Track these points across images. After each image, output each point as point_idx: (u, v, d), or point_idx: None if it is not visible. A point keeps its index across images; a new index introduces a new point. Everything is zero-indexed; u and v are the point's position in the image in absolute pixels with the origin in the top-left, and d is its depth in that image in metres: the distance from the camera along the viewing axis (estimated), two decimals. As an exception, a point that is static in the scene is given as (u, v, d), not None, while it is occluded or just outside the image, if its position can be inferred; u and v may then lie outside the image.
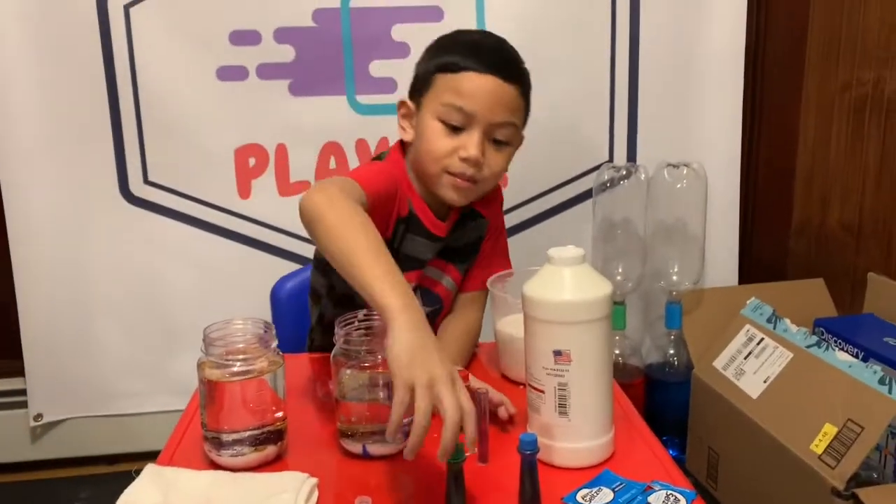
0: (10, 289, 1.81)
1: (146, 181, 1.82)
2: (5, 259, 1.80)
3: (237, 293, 1.84)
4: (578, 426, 0.84)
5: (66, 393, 1.88)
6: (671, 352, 1.85)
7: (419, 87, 1.14)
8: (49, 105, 1.75)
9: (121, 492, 0.78)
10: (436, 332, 1.10)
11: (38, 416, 1.88)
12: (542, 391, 0.85)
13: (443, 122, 1.09)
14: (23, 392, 1.88)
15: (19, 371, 1.87)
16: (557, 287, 0.83)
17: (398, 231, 1.13)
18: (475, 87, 1.07)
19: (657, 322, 1.92)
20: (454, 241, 1.21)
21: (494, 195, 1.26)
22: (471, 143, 1.08)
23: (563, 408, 0.84)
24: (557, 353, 0.83)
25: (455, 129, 1.09)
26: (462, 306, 1.25)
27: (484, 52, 1.10)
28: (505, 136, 1.11)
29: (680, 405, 1.77)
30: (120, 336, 1.87)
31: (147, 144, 1.80)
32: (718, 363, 1.67)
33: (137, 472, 0.81)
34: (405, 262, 1.07)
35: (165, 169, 1.81)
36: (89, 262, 1.83)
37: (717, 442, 1.67)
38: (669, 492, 0.79)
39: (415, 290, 1.17)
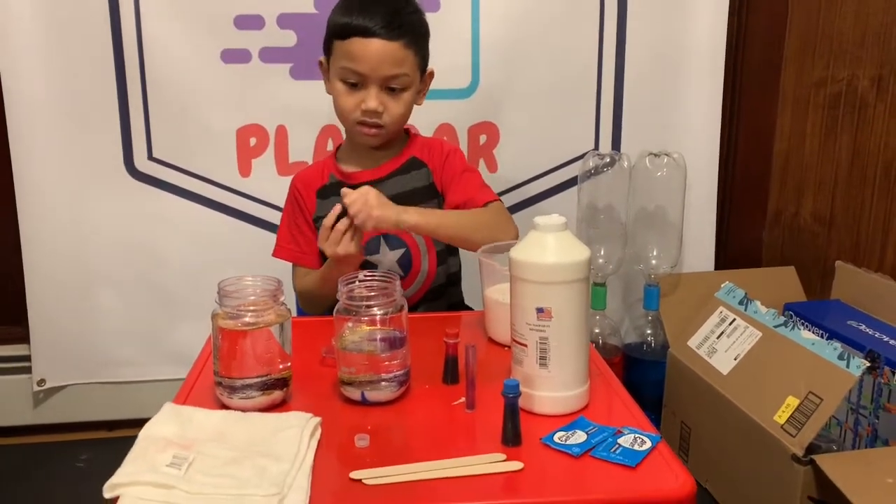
0: (18, 259, 1.88)
1: (150, 157, 1.88)
2: (13, 230, 1.87)
3: (235, 267, 1.86)
4: (557, 376, 0.93)
5: (68, 360, 1.95)
6: (648, 332, 1.94)
7: (326, 50, 1.33)
8: (58, 82, 1.81)
9: (120, 456, 0.81)
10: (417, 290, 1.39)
11: (41, 382, 1.95)
12: (525, 345, 0.93)
13: (343, 81, 1.30)
14: (27, 358, 1.94)
15: (24, 338, 1.94)
16: (541, 251, 0.92)
17: (319, 204, 1.38)
18: (362, 51, 1.26)
19: (636, 304, 2.01)
20: (400, 187, 1.36)
21: (435, 146, 1.42)
22: (369, 97, 1.29)
23: (543, 360, 0.92)
24: (540, 311, 0.91)
25: (355, 86, 1.30)
26: None
27: (366, 15, 1.26)
28: (398, 84, 1.30)
29: (656, 383, 1.86)
30: (121, 306, 1.94)
31: (152, 122, 1.86)
32: (693, 342, 1.76)
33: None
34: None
35: (169, 146, 1.88)
36: (94, 234, 1.89)
37: (690, 416, 1.76)
38: (637, 435, 0.88)
39: (378, 238, 1.36)
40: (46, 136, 1.83)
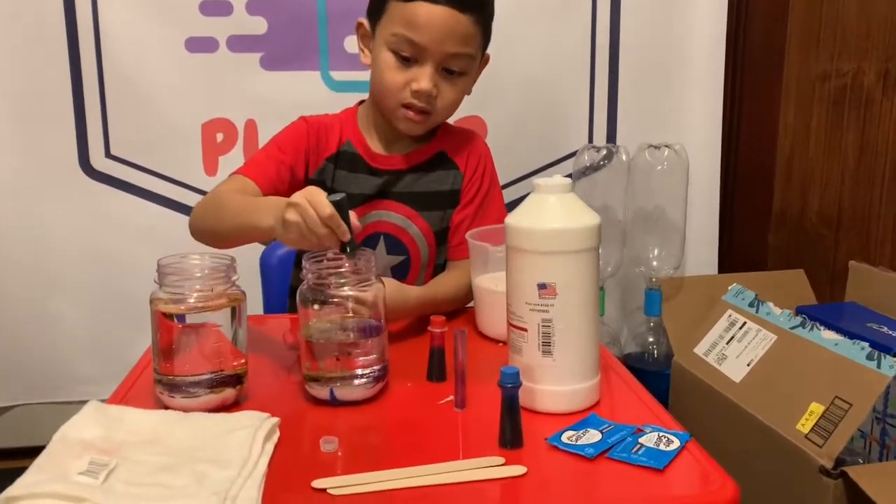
0: (-40, 265, 1.72)
1: (108, 155, 1.75)
2: (-43, 234, 1.71)
3: (201, 274, 1.77)
4: (563, 366, 0.78)
5: (15, 378, 1.79)
6: (650, 340, 1.81)
7: (374, 11, 1.12)
8: (8, 74, 1.68)
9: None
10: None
11: (-15, 402, 1.78)
12: (524, 330, 0.78)
13: (395, 52, 1.08)
14: (-32, 377, 1.78)
15: (-36, 355, 1.77)
16: (543, 215, 0.78)
17: (326, 169, 1.14)
18: (427, 19, 1.05)
19: (636, 312, 1.88)
20: (420, 185, 1.17)
21: (473, 146, 1.22)
22: (422, 76, 1.07)
23: (547, 346, 0.77)
24: (542, 287, 0.77)
25: (407, 61, 1.08)
26: (447, 269, 1.21)
27: None
28: (459, 66, 1.10)
29: (660, 394, 1.71)
30: (77, 317, 1.78)
31: (110, 116, 1.73)
32: (699, 349, 1.63)
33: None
34: None
35: (128, 142, 1.75)
36: (46, 239, 1.74)
37: (699, 428, 1.60)
38: (661, 433, 0.73)
39: (377, 236, 1.15)
40: (-6, 130, 1.69)
